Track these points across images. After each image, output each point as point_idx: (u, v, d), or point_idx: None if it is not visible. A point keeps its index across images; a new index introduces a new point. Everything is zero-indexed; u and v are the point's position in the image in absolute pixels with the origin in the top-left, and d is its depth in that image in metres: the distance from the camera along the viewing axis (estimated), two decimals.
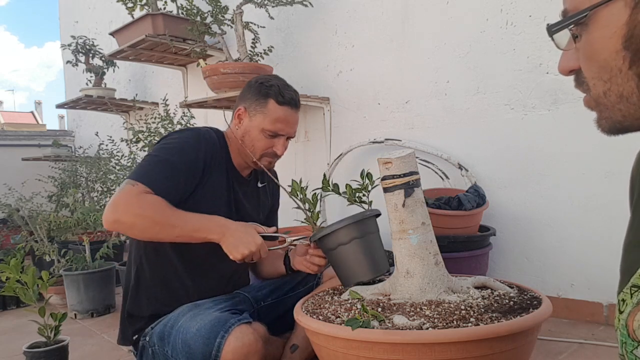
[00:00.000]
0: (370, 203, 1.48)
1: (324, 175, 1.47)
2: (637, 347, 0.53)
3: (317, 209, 1.49)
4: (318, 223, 1.50)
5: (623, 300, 0.56)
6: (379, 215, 1.43)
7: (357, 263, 1.36)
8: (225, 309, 1.35)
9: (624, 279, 0.58)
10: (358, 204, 1.47)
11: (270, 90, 1.49)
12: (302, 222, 1.47)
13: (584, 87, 0.55)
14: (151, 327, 1.42)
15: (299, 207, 1.48)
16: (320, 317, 1.15)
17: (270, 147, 1.50)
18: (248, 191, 1.59)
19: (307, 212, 1.45)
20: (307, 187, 1.49)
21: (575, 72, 0.56)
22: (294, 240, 1.48)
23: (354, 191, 1.45)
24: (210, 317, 1.26)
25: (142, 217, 1.28)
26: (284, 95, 1.49)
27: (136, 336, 1.47)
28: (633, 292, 0.54)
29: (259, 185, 1.65)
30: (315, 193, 1.46)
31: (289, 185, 1.49)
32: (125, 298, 1.51)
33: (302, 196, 1.45)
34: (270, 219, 1.70)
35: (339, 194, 1.47)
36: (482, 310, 1.10)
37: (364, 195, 1.47)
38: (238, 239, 1.31)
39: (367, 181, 1.47)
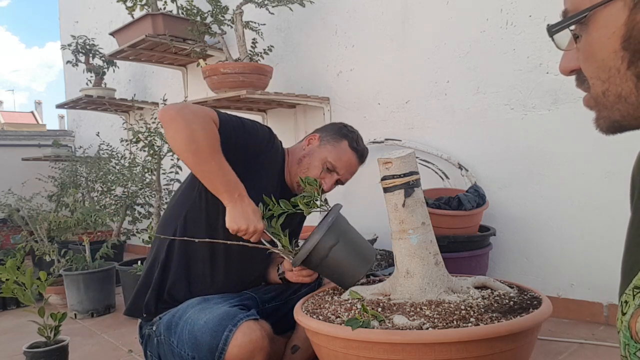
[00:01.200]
0: (325, 201, 1.48)
1: (264, 199, 1.42)
2: None
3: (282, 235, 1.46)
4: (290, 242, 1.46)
5: (625, 302, 0.55)
6: (341, 208, 1.45)
7: (349, 264, 1.36)
8: (234, 304, 1.36)
9: (625, 280, 0.57)
10: (318, 209, 1.46)
11: (350, 134, 1.61)
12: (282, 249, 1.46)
13: (585, 86, 0.55)
14: (159, 317, 1.42)
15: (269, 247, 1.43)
16: (320, 317, 1.15)
17: (321, 178, 1.55)
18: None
19: (278, 244, 1.41)
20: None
21: (577, 71, 0.56)
22: (280, 252, 1.44)
23: (305, 201, 1.42)
24: (219, 310, 1.27)
25: (195, 130, 1.29)
26: (359, 144, 1.62)
27: (145, 314, 1.46)
28: (635, 293, 0.54)
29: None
30: (276, 218, 1.43)
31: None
32: (151, 269, 1.48)
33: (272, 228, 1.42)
34: (297, 230, 1.74)
35: (294, 210, 1.42)
36: (482, 310, 1.10)
37: (316, 199, 1.46)
38: (244, 213, 1.33)
39: (311, 187, 1.45)
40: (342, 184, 1.62)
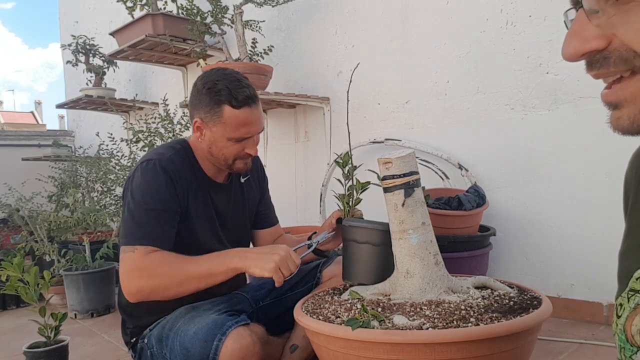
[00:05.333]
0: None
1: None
2: (637, 352, 0.51)
3: (356, 195, 1.50)
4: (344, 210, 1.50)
5: (620, 305, 0.55)
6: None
7: (372, 267, 1.35)
8: (223, 310, 1.34)
9: (622, 285, 0.57)
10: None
11: (221, 96, 1.36)
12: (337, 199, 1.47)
13: (612, 67, 0.45)
14: (149, 329, 1.42)
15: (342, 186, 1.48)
16: (320, 317, 1.15)
17: (242, 150, 1.43)
18: (231, 195, 1.57)
19: (348, 192, 1.44)
20: (357, 166, 1.48)
21: (593, 53, 0.47)
22: (320, 240, 1.46)
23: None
24: (208, 319, 1.25)
25: (161, 277, 1.25)
26: (238, 97, 1.36)
27: (135, 339, 1.47)
28: (630, 296, 0.53)
29: (242, 180, 1.62)
30: (368, 182, 1.46)
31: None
32: (124, 312, 1.51)
33: (348, 172, 1.43)
34: (264, 206, 1.71)
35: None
36: (482, 310, 1.10)
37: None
38: (259, 259, 1.27)
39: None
40: (261, 132, 1.48)
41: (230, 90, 1.36)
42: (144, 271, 1.26)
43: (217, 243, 1.50)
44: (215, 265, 1.26)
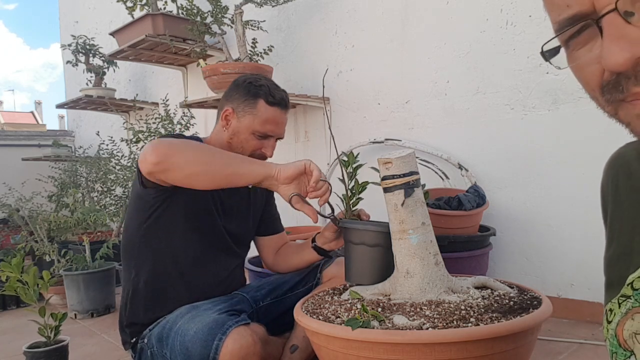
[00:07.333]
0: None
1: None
2: (630, 356, 0.52)
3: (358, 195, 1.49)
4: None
5: (610, 310, 0.55)
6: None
7: (372, 267, 1.35)
8: (224, 310, 1.34)
9: (611, 292, 0.57)
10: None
11: (260, 90, 1.46)
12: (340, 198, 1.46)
13: None
14: (149, 329, 1.42)
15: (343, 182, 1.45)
16: (320, 317, 1.15)
17: (259, 148, 1.49)
18: (238, 194, 1.58)
19: (348, 192, 1.43)
20: (361, 165, 1.47)
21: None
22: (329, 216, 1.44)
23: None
24: (208, 319, 1.25)
25: (187, 151, 1.23)
26: (275, 96, 1.46)
27: (134, 339, 1.47)
28: (621, 301, 0.54)
29: (250, 186, 1.64)
30: (366, 181, 1.46)
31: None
32: (124, 307, 1.51)
33: (352, 171, 1.42)
34: (268, 212, 1.72)
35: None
36: (482, 310, 1.10)
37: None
38: (287, 166, 1.25)
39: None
40: (281, 138, 1.55)
41: (270, 88, 1.47)
42: (172, 144, 1.23)
43: (220, 238, 1.51)
44: (244, 164, 1.25)
